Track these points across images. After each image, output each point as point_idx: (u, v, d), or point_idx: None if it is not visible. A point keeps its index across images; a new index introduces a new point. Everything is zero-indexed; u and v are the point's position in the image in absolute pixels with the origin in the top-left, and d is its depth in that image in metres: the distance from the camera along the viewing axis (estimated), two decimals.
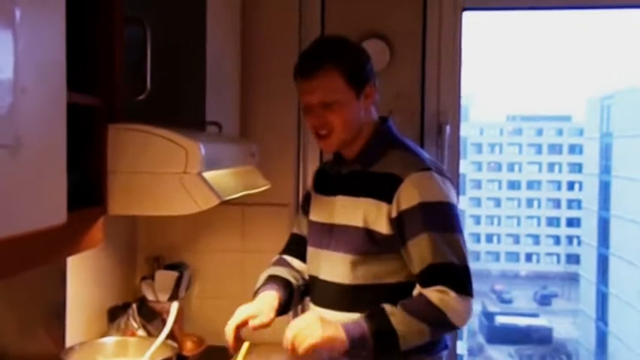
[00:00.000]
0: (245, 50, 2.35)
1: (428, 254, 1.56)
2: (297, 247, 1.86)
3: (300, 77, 1.63)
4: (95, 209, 1.29)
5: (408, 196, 1.58)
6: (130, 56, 1.34)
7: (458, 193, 1.64)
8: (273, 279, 1.76)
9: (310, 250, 1.78)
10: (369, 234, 1.61)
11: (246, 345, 1.68)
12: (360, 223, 1.62)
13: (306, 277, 1.81)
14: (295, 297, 1.79)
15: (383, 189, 1.61)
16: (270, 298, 1.67)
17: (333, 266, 1.67)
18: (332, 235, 1.69)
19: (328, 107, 1.61)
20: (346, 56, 1.64)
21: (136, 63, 1.36)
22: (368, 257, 1.62)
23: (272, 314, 1.63)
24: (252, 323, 1.60)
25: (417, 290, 1.59)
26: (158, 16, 1.52)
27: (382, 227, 1.60)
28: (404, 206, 1.58)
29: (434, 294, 1.54)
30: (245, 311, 1.63)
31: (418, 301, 1.57)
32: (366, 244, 1.62)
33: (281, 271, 1.80)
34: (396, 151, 1.67)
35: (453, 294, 1.53)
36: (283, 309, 1.72)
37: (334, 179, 1.75)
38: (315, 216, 1.78)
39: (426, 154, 1.71)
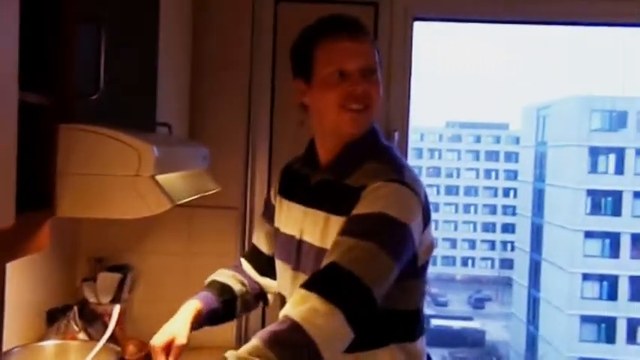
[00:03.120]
0: (195, 48, 2.33)
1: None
2: (255, 261, 1.70)
3: (345, 36, 1.41)
4: (43, 212, 1.26)
5: (367, 203, 1.33)
6: (82, 55, 1.31)
7: (429, 212, 1.46)
8: (210, 285, 1.62)
9: (278, 264, 1.59)
10: None
11: None
12: None
13: (258, 286, 1.68)
14: (238, 305, 1.62)
15: (352, 205, 1.35)
16: (186, 313, 1.50)
17: None
18: (300, 252, 1.49)
19: (368, 77, 1.42)
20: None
21: (88, 62, 1.33)
22: None
23: (186, 332, 1.46)
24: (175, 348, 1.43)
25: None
26: (110, 14, 1.49)
27: None
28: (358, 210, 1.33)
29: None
30: (166, 333, 1.46)
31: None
32: None
33: (224, 276, 1.65)
34: (374, 163, 1.42)
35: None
36: (216, 318, 1.57)
37: (303, 184, 1.52)
38: (281, 225, 1.58)
39: (407, 168, 1.44)
